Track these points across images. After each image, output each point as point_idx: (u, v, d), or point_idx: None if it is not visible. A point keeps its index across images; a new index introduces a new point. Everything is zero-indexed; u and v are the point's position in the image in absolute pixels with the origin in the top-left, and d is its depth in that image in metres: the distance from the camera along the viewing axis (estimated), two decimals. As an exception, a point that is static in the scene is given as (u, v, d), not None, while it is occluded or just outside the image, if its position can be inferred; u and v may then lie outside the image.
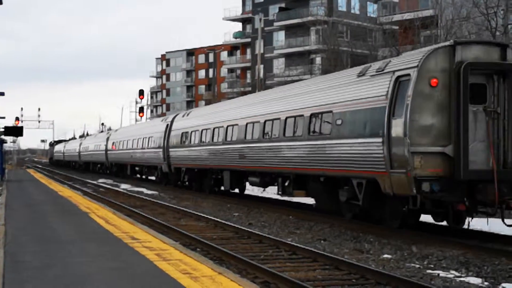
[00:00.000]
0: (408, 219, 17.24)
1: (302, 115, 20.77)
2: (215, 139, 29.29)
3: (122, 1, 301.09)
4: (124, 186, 40.31)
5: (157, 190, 35.59)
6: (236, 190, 30.30)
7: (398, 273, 11.74)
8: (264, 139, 23.76)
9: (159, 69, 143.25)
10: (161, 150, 37.58)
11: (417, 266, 12.74)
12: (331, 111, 18.90)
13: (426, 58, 15.40)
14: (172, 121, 37.37)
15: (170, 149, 36.06)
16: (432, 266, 12.77)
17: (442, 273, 11.98)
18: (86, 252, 11.89)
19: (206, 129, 30.64)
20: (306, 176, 21.02)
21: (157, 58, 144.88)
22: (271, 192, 29.08)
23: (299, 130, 20.97)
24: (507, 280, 11.49)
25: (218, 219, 19.97)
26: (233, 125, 27.28)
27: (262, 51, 63.62)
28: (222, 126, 28.50)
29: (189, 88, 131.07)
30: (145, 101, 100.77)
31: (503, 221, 15.32)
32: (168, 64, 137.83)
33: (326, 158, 19.11)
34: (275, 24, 76.61)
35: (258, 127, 24.41)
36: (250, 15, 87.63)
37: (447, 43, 16.34)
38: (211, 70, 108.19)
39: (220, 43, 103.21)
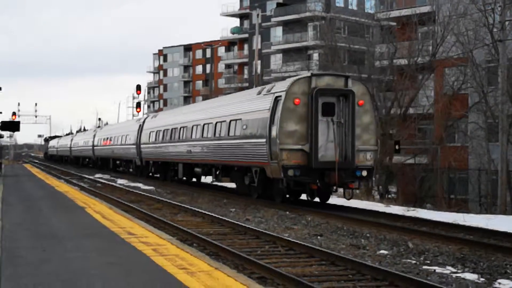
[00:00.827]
0: (289, 196, 23.92)
1: (224, 121, 27.41)
2: (172, 138, 35.28)
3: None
4: (120, 181, 40.28)
5: (154, 185, 35.56)
6: (195, 180, 35.60)
7: (395, 269, 11.75)
8: (202, 138, 30.05)
9: (157, 64, 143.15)
10: (135, 146, 43.43)
11: (414, 262, 12.76)
12: (240, 119, 25.49)
13: (291, 84, 22.16)
14: (144, 122, 43.60)
15: (141, 146, 41.98)
16: (428, 262, 12.79)
17: (438, 269, 11.99)
18: (82, 247, 11.88)
19: (166, 130, 36.69)
20: (229, 166, 27.48)
21: (154, 54, 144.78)
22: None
23: (222, 132, 27.53)
24: (503, 276, 11.51)
25: (214, 215, 19.97)
26: (184, 127, 33.37)
27: (259, 46, 63.53)
28: (177, 128, 34.56)
29: (186, 83, 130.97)
30: (142, 97, 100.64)
31: (344, 196, 22.79)
32: (165, 60, 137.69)
33: (237, 153, 25.67)
34: (273, 19, 76.58)
35: (199, 129, 30.64)
36: (247, 10, 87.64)
37: (306, 74, 23.42)
38: (208, 66, 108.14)
39: (218, 38, 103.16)
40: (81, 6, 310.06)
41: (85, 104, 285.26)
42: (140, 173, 43.76)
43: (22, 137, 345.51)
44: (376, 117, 24.43)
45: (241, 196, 26.18)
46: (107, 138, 54.96)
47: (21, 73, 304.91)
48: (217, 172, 29.22)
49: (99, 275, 9.29)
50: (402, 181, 41.76)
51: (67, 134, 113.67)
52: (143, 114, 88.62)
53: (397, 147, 37.92)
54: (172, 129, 35.38)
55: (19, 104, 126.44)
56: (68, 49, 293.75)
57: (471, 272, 11.79)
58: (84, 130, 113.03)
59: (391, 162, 41.93)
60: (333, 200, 24.58)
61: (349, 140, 22.14)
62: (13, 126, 42.13)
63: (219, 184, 32.51)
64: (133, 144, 43.97)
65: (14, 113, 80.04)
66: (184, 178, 35.12)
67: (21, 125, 42.63)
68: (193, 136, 31.35)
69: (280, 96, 22.19)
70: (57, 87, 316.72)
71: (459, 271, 11.93)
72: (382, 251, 13.85)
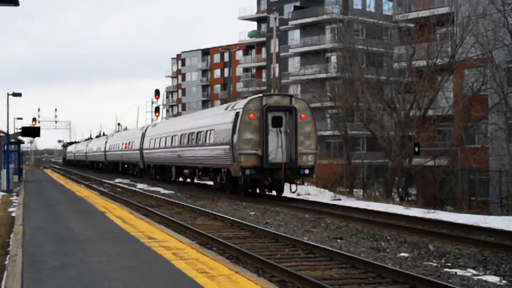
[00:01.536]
0: (251, 191, 29.63)
1: (203, 131, 33.37)
2: (167, 144, 40.85)
3: (138, 1, 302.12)
4: (140, 185, 40.45)
5: (173, 189, 35.70)
6: (188, 180, 40.72)
7: (415, 271, 11.69)
8: (188, 145, 35.89)
9: (175, 69, 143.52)
10: (138, 151, 49.46)
11: (434, 264, 12.68)
12: (213, 129, 31.56)
13: (247, 103, 28.30)
14: (146, 130, 49.82)
15: (144, 151, 47.99)
16: (449, 264, 12.71)
17: (459, 272, 11.91)
18: (103, 251, 11.93)
19: (162, 137, 42.45)
20: (207, 168, 33.39)
21: (172, 58, 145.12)
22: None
23: (201, 140, 33.55)
24: (525, 279, 11.41)
25: (234, 218, 19.99)
26: (175, 135, 39.05)
27: (277, 50, 63.61)
28: (169, 136, 40.21)
29: (204, 87, 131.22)
30: (161, 101, 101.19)
31: (290, 190, 28.63)
32: (183, 64, 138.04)
33: (211, 157, 31.49)
34: (290, 23, 76.52)
35: (186, 137, 36.45)
36: (265, 14, 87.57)
37: (259, 95, 29.22)
38: (226, 70, 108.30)
39: (235, 42, 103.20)
40: (101, 11, 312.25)
41: (105, 109, 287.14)
42: (142, 175, 49.75)
43: (43, 142, 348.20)
44: (315, 127, 29.46)
45: (217, 192, 31.74)
46: (116, 144, 61.01)
47: (42, 78, 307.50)
48: (199, 173, 35.88)
49: (120, 279, 9.33)
50: (422, 183, 41.54)
51: (86, 139, 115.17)
52: (162, 118, 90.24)
53: (416, 149, 37.75)
54: (166, 137, 41.19)
55: (39, 110, 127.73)
56: (86, 54, 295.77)
57: (493, 275, 11.70)
58: (104, 135, 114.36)
59: (411, 164, 41.73)
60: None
61: (294, 146, 27.96)
62: (33, 132, 42.43)
63: (200, 182, 40.31)
64: (137, 150, 50.03)
65: (34, 119, 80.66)
66: (176, 179, 41.49)
67: (41, 131, 42.92)
68: (181, 143, 37.35)
69: (239, 112, 28.26)
70: (77, 92, 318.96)
71: (480, 273, 11.84)
72: (402, 254, 13.79)
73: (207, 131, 32.57)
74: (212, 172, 32.75)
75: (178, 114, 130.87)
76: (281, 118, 28.04)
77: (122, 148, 57.26)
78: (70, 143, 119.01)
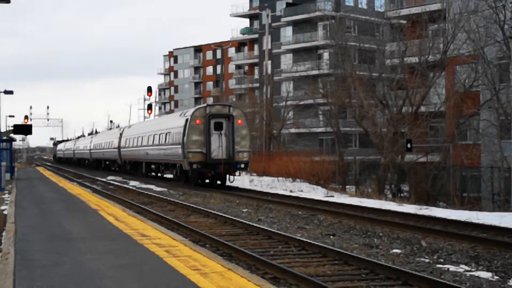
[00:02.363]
0: (202, 182, 35.72)
1: (163, 133, 39.92)
2: (138, 144, 47.54)
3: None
4: (133, 183, 40.41)
5: (166, 187, 35.70)
6: (159, 174, 45.79)
7: (408, 268, 11.72)
8: (153, 145, 42.52)
9: (167, 66, 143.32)
10: (117, 149, 56.05)
11: (427, 260, 12.72)
12: (170, 132, 38.18)
13: (194, 111, 35.29)
14: (123, 131, 56.93)
15: (121, 149, 54.60)
16: (442, 260, 12.75)
17: (452, 268, 11.95)
18: (96, 249, 11.91)
19: (135, 138, 49.18)
20: (167, 163, 39.65)
21: (164, 55, 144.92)
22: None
23: (162, 140, 40.03)
24: (517, 274, 11.45)
25: (227, 215, 20.00)
26: (143, 136, 45.86)
27: (269, 47, 63.57)
28: (140, 136, 46.97)
29: (197, 84, 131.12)
30: (153, 98, 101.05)
31: (229, 180, 35.19)
32: (176, 61, 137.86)
33: (169, 154, 37.98)
34: (283, 19, 76.49)
35: (151, 138, 43.15)
36: (257, 11, 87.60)
37: (204, 105, 37.39)
38: (218, 67, 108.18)
39: (228, 39, 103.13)
40: (93, 9, 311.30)
41: (97, 107, 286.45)
42: (120, 170, 56.73)
43: (35, 140, 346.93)
44: (249, 130, 36.65)
45: (175, 182, 38.52)
46: (100, 143, 67.24)
47: (34, 76, 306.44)
48: (162, 168, 42.02)
49: (112, 277, 9.31)
50: (414, 179, 41.64)
51: (78, 137, 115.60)
52: (154, 116, 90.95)
53: (408, 145, 37.83)
54: (138, 138, 47.84)
55: (31, 108, 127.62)
56: (79, 53, 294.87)
57: (485, 271, 11.73)
58: (96, 132, 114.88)
59: (403, 161, 41.82)
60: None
61: (231, 145, 34.52)
62: (25, 129, 42.37)
63: (165, 176, 44.56)
64: (115, 148, 56.58)
65: (26, 117, 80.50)
66: (147, 174, 47.29)
67: (33, 129, 42.83)
68: (149, 143, 43.93)
69: (188, 118, 34.93)
70: (69, 90, 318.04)
71: (473, 269, 11.88)
72: (395, 250, 13.82)
73: (166, 133, 39.34)
74: (171, 167, 39.44)
75: (171, 111, 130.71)
76: (222, 123, 34.77)
77: (104, 146, 63.97)
78: (60, 142, 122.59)
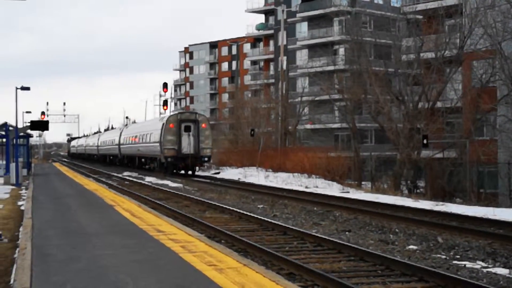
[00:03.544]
0: (175, 172, 45.04)
1: (148, 133, 49.58)
2: (132, 141, 56.96)
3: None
4: (148, 179, 40.55)
5: (181, 182, 35.77)
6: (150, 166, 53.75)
7: (424, 264, 11.66)
8: (142, 142, 52.04)
9: (183, 62, 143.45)
10: (117, 146, 65.18)
11: (443, 257, 12.65)
12: (152, 132, 47.55)
13: (168, 117, 46.01)
14: (122, 130, 67.12)
15: (121, 146, 63.61)
16: (458, 257, 12.67)
17: (468, 264, 11.88)
18: (111, 244, 11.96)
19: (130, 136, 58.45)
20: (151, 157, 49.24)
21: (180, 51, 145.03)
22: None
23: (147, 139, 49.75)
24: (535, 271, 11.35)
25: (242, 211, 20.00)
26: (136, 135, 55.29)
27: (285, 42, 63.42)
28: (134, 135, 56.47)
29: (212, 80, 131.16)
30: (169, 94, 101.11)
31: (199, 169, 47.12)
32: (191, 57, 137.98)
33: (151, 150, 47.71)
34: (298, 15, 76.26)
35: (141, 137, 52.86)
36: (272, 6, 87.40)
37: (176, 112, 50.77)
38: (234, 63, 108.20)
39: (243, 35, 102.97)
40: (109, 5, 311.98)
41: (114, 102, 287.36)
42: (121, 164, 64.26)
43: (51, 136, 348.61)
44: (211, 132, 47.41)
45: (155, 172, 47.08)
46: (105, 141, 76.73)
47: (50, 72, 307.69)
48: (148, 161, 51.60)
49: (128, 272, 9.34)
50: (431, 175, 41.39)
51: (88, 135, 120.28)
52: (170, 112, 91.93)
53: (425, 141, 37.61)
54: (132, 136, 57.45)
55: (47, 104, 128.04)
56: (96, 49, 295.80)
57: (502, 267, 11.66)
58: (112, 128, 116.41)
59: (419, 157, 41.60)
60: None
61: (197, 143, 44.56)
62: (42, 125, 42.44)
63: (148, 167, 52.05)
64: (117, 145, 65.60)
65: (43, 113, 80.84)
66: (139, 167, 55.13)
67: (50, 124, 42.99)
68: (139, 141, 53.38)
69: (164, 122, 45.36)
70: (86, 86, 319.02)
71: (489, 265, 11.80)
72: (411, 246, 13.76)
73: (150, 133, 48.99)
74: (153, 160, 49.22)
75: (187, 107, 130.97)
76: (190, 126, 44.85)
77: (108, 144, 73.50)
78: (73, 138, 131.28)
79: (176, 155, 43.92)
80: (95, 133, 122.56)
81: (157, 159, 46.97)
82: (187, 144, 44.05)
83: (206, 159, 45.31)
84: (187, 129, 44.35)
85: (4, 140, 43.11)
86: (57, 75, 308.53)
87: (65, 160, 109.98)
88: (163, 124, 45.05)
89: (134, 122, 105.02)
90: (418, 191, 39.98)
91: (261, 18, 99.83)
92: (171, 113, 49.43)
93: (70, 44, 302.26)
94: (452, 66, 42.83)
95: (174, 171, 45.15)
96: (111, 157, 71.71)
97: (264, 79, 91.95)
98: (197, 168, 45.36)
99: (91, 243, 12.17)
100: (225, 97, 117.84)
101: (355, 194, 28.38)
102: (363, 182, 42.13)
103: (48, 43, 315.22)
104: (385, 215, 18.81)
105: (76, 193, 26.08)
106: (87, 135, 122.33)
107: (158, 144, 45.40)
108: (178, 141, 44.04)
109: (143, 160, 53.47)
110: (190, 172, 44.92)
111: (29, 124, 43.18)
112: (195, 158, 44.15)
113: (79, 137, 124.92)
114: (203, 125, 44.98)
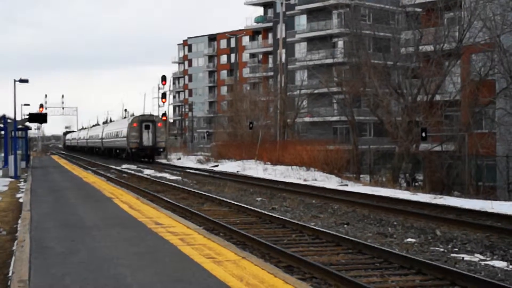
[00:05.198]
0: (140, 159, 59.69)
1: (120, 130, 63.76)
2: (109, 136, 69.91)
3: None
4: (147, 171, 40.57)
5: (180, 175, 35.76)
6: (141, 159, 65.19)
7: (422, 257, 11.69)
8: (116, 137, 64.81)
9: (181, 54, 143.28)
10: (100, 140, 77.15)
11: (441, 249, 12.68)
12: (122, 130, 62.33)
13: (133, 119, 62.40)
14: (104, 126, 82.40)
15: (103, 140, 75.58)
16: (456, 249, 12.70)
17: (466, 257, 11.91)
18: (110, 237, 11.97)
19: (109, 132, 70.84)
20: (122, 148, 62.93)
21: (179, 44, 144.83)
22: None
23: (119, 135, 63.56)
24: (532, 264, 11.39)
25: (241, 204, 20.02)
26: (111, 132, 68.83)
27: (283, 35, 63.35)
28: (111, 131, 69.07)
29: (211, 73, 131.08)
30: (167, 87, 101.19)
31: (156, 159, 60.81)
32: (190, 50, 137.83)
33: (122, 144, 62.22)
34: (297, 8, 76.15)
35: (115, 133, 66.22)
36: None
37: (139, 115, 65.57)
38: (233, 55, 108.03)
39: (242, 28, 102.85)
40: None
41: (112, 95, 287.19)
42: (103, 155, 75.45)
43: (50, 128, 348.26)
44: (166, 129, 62.87)
45: (126, 159, 59.61)
46: (92, 135, 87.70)
47: (49, 65, 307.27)
48: (119, 152, 64.50)
49: (127, 265, 9.36)
50: (429, 168, 41.40)
51: (80, 129, 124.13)
52: (169, 104, 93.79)
53: (423, 134, 37.63)
54: (110, 132, 69.83)
55: (46, 96, 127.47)
56: (93, 40, 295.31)
57: (500, 260, 11.68)
58: (111, 121, 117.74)
59: (418, 150, 41.63)
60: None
61: (154, 138, 58.31)
62: (40, 118, 42.48)
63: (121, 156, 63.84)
64: (100, 139, 77.46)
65: (41, 105, 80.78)
66: (114, 157, 67.34)
67: (48, 117, 42.99)
68: (114, 136, 66.37)
69: (129, 122, 59.41)
70: (84, 79, 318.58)
71: (487, 258, 11.83)
72: (409, 239, 13.79)
73: (121, 130, 62.41)
74: (123, 151, 61.81)
75: (185, 100, 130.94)
76: (149, 125, 58.75)
77: (94, 138, 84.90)
78: (68, 132, 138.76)
79: (138, 147, 58.16)
80: (82, 128, 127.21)
81: (126, 150, 60.64)
82: (147, 139, 58.50)
83: (161, 150, 60.19)
84: (147, 127, 58.70)
85: (3, 132, 43.07)
86: (56, 68, 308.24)
87: (63, 152, 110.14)
88: (129, 123, 59.84)
89: (133, 114, 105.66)
90: (416, 184, 40.01)
91: (260, 11, 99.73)
92: (135, 116, 67.52)
93: (69, 37, 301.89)
94: (451, 59, 42.79)
95: (140, 159, 58.50)
96: (97, 149, 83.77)
97: (263, 72, 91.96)
98: (155, 156, 59.94)
99: (90, 235, 12.18)
100: (224, 90, 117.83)
101: (353, 187, 28.41)
102: (361, 175, 42.16)
103: (47, 36, 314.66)
104: (384, 208, 18.84)
105: (75, 186, 26.09)
106: (80, 129, 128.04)
107: (125, 139, 59.50)
108: (140, 137, 58.26)
109: (118, 151, 66.71)
110: (151, 160, 58.39)
111: (27, 116, 43.14)
112: (153, 149, 58.63)
113: (73, 131, 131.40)
114: (159, 124, 59.75)
